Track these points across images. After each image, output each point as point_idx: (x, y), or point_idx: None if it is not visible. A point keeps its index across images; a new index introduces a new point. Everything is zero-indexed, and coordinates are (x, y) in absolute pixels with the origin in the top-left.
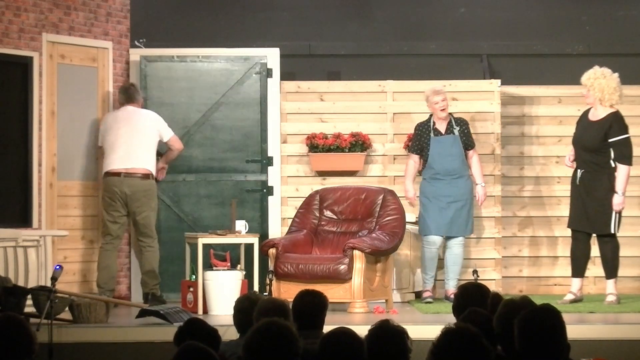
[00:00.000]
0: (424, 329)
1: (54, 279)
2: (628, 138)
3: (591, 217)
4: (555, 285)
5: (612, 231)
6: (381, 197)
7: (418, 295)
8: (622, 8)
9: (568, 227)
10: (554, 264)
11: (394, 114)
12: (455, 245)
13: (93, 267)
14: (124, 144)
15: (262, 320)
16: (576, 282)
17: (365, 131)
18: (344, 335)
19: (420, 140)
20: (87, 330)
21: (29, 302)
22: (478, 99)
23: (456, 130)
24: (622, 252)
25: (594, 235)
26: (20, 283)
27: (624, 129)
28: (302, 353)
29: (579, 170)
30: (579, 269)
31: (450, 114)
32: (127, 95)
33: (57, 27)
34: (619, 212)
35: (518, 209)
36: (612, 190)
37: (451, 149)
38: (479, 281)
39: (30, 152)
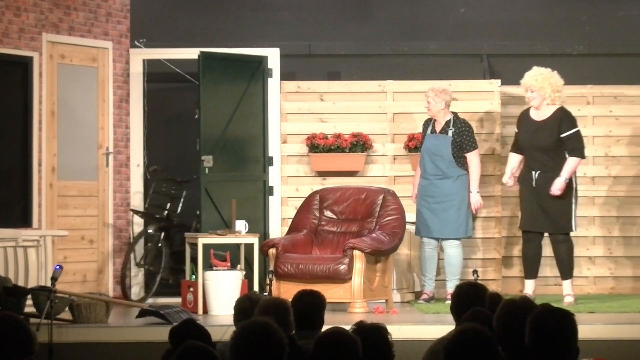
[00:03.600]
0: (424, 329)
1: (54, 279)
2: (579, 131)
3: (553, 216)
4: (555, 285)
5: (574, 229)
6: (381, 197)
7: (418, 295)
8: (622, 8)
9: (520, 228)
10: (553, 264)
11: (394, 114)
12: (447, 247)
13: (93, 267)
14: None
15: (242, 322)
16: (530, 283)
17: (365, 131)
18: (339, 335)
19: (423, 136)
20: (87, 330)
21: (29, 302)
22: (478, 99)
23: (450, 131)
24: (621, 252)
25: (546, 235)
26: (20, 283)
27: (574, 122)
28: (298, 352)
29: (533, 172)
30: (532, 271)
31: (454, 113)
32: None
33: (57, 27)
34: (575, 210)
35: (518, 209)
36: (572, 188)
37: (439, 149)
38: (478, 281)
39: (30, 152)
